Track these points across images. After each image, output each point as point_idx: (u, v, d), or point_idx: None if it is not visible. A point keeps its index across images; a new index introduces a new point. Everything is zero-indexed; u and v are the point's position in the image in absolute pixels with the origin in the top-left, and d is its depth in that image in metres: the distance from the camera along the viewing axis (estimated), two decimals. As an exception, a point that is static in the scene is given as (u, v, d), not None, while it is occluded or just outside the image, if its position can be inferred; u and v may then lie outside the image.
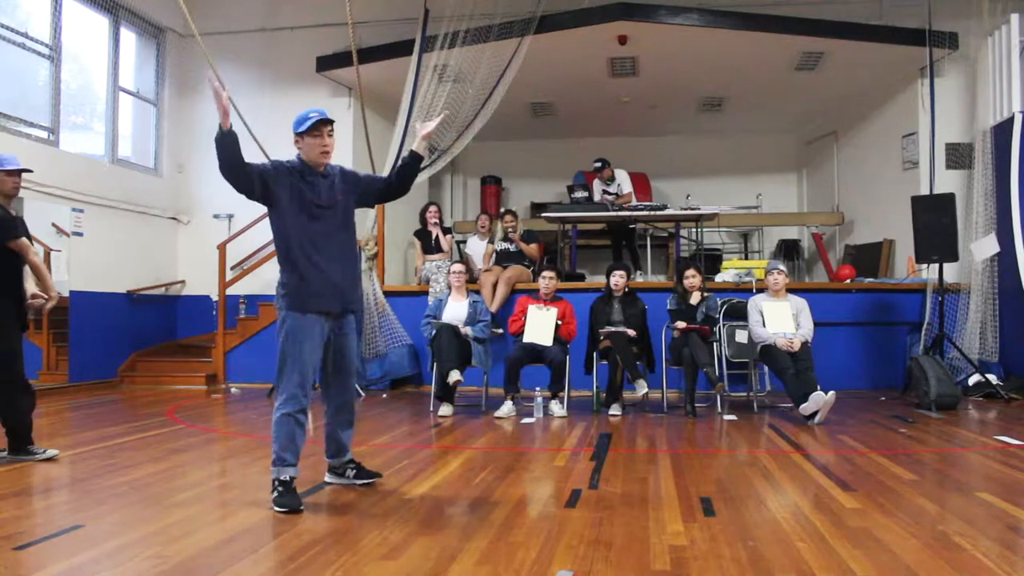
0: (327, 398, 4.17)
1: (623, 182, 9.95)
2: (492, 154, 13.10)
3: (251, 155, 8.66)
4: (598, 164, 9.87)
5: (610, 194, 9.87)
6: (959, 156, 9.00)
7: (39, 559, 2.91)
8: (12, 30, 8.32)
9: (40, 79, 8.83)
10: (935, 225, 7.87)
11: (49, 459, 4.87)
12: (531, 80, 9.70)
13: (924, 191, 8.74)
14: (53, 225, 8.79)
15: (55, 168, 8.49)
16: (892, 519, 3.40)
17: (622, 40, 9.03)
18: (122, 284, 9.73)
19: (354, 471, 4.25)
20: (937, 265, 8.00)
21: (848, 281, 9.32)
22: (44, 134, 8.77)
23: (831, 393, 6.21)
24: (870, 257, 10.40)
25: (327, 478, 4.27)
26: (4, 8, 8.23)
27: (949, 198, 7.98)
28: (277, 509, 3.65)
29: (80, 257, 9.07)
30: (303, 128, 3.92)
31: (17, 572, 2.75)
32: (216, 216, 10.44)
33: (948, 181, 8.76)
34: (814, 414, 6.23)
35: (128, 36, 10.30)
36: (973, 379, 7.87)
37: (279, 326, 3.91)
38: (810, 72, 9.98)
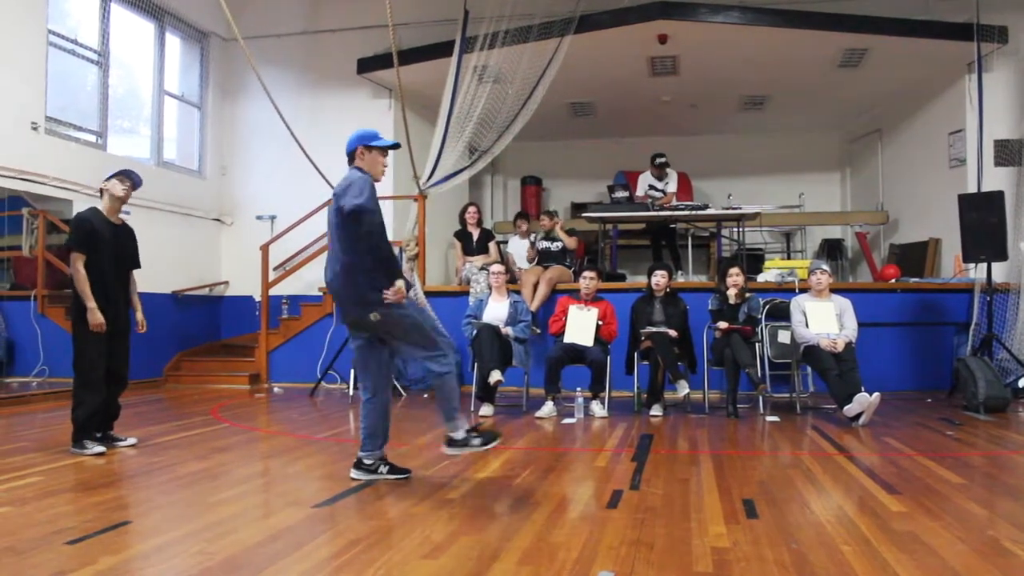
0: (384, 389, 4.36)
1: (671, 182, 9.95)
2: (532, 154, 13.09)
3: (293, 156, 8.69)
4: (662, 159, 9.86)
5: (657, 190, 9.83)
6: (1008, 153, 8.79)
7: (89, 554, 2.97)
8: (63, 37, 8.52)
9: (89, 84, 9.03)
10: (983, 223, 7.70)
11: (98, 454, 5.00)
12: (571, 80, 9.67)
13: (971, 189, 8.55)
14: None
15: (103, 171, 8.61)
16: (939, 523, 3.34)
17: (662, 39, 8.97)
18: (167, 285, 9.88)
19: (387, 467, 4.33)
20: (985, 264, 7.84)
21: (893, 281, 9.15)
22: (92, 138, 8.96)
23: (876, 394, 6.12)
24: (915, 256, 10.21)
25: (353, 474, 4.31)
26: (55, 16, 8.43)
27: (998, 196, 7.80)
28: (489, 446, 4.03)
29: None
30: (380, 144, 4.11)
31: (69, 566, 2.82)
32: (259, 217, 10.58)
33: (997, 178, 8.56)
34: (858, 416, 6.15)
35: (173, 41, 10.49)
36: (1023, 381, 7.70)
37: (393, 314, 4.03)
38: (853, 69, 9.81)
